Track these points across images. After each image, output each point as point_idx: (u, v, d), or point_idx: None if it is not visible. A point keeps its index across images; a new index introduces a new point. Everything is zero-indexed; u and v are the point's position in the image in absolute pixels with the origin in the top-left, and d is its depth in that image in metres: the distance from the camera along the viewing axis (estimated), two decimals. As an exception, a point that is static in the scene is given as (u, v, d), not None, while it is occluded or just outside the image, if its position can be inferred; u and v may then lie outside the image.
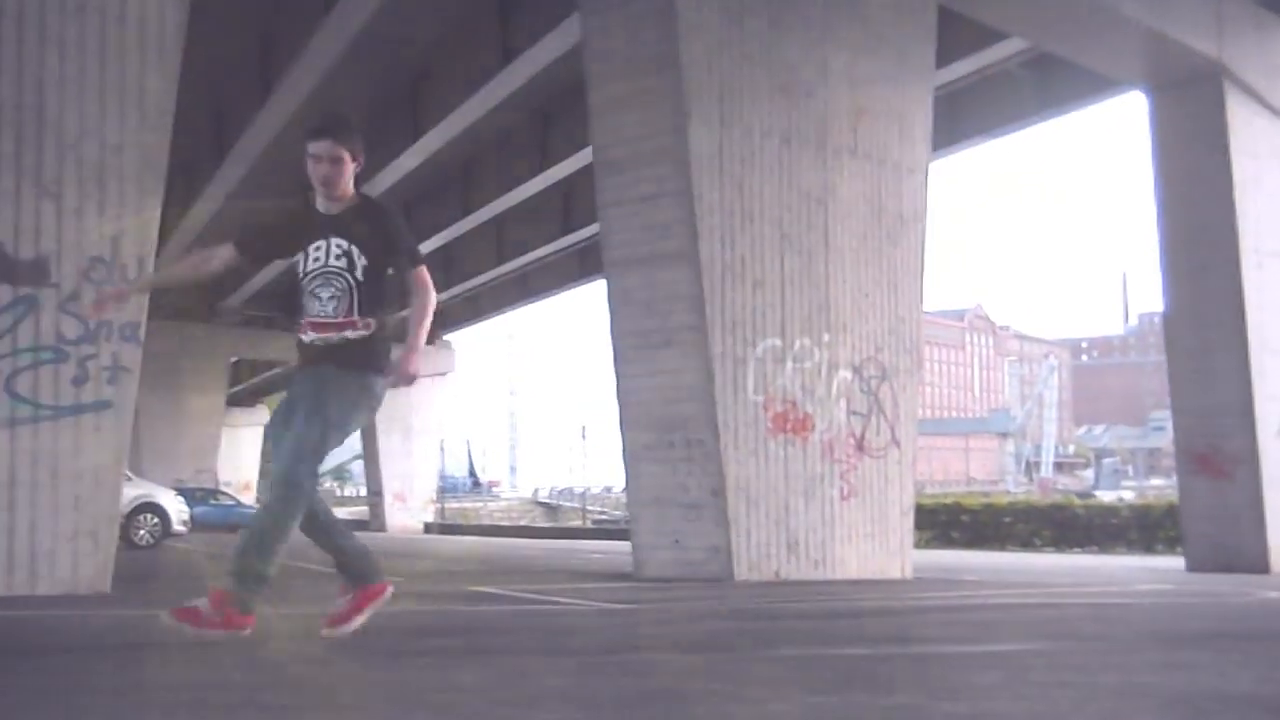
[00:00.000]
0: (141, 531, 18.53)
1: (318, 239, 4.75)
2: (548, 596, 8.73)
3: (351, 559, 4.93)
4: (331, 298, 4.70)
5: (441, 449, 46.98)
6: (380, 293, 4.78)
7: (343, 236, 4.71)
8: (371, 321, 4.76)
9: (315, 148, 4.70)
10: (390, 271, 4.80)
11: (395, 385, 4.83)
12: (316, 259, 4.74)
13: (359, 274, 4.69)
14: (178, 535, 19.62)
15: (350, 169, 4.74)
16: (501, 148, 24.40)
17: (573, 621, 6.18)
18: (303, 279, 4.80)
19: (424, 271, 4.85)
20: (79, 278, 8.76)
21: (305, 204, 4.89)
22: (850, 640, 5.53)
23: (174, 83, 9.29)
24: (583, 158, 21.26)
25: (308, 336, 4.78)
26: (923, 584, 11.57)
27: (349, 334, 4.71)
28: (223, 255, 5.12)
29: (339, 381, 4.71)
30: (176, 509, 19.60)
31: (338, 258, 4.70)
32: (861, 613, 7.43)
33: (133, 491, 17.94)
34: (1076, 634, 6.09)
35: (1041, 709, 3.36)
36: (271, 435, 5.01)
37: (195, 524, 23.09)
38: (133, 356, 9.00)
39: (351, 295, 4.70)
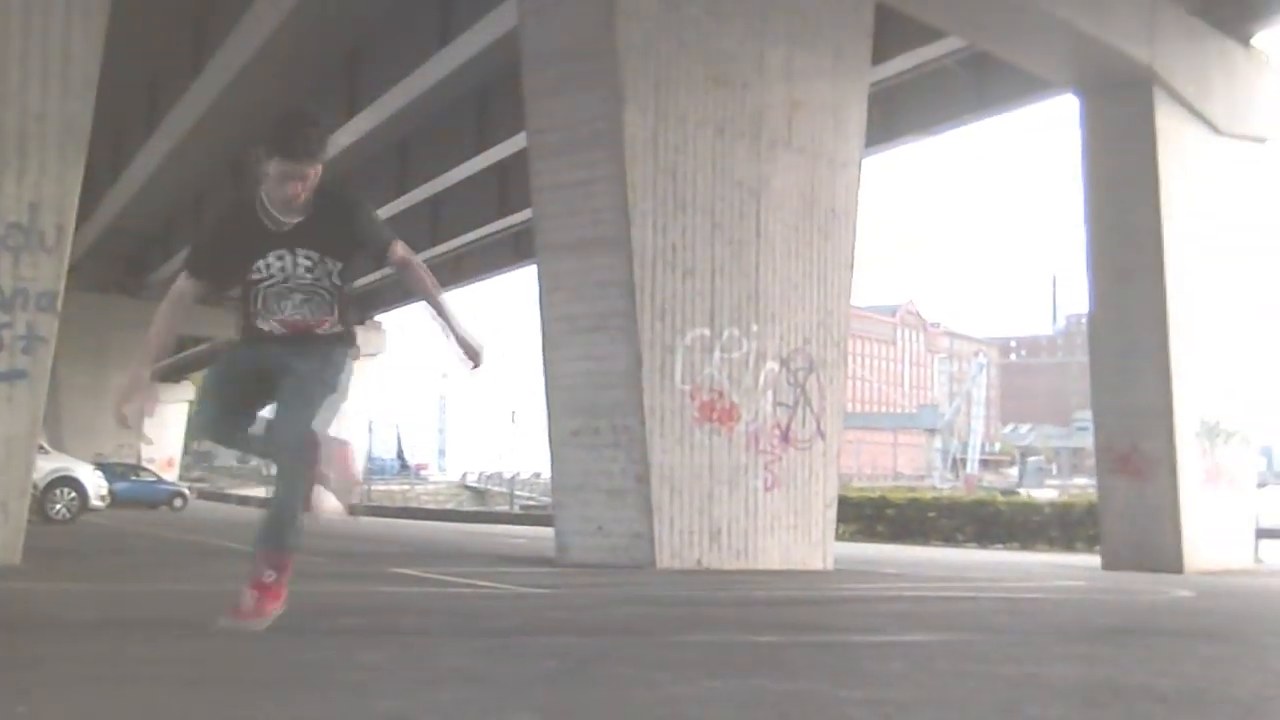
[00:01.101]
0: (58, 505, 18.23)
1: (278, 248, 4.42)
2: (467, 580, 8.71)
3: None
4: (304, 302, 4.45)
5: (370, 430, 46.62)
6: (350, 286, 4.56)
7: (309, 246, 4.42)
8: (346, 318, 4.55)
9: (297, 169, 4.33)
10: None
11: (473, 369, 4.55)
12: (281, 268, 4.43)
13: (335, 278, 4.45)
14: (95, 510, 19.31)
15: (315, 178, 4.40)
16: (438, 128, 24.21)
17: (488, 604, 6.17)
18: (262, 284, 4.46)
19: (400, 248, 4.50)
20: (-4, 244, 8.60)
21: (253, 211, 4.48)
22: (763, 628, 5.57)
23: (99, 51, 9.14)
24: (520, 141, 21.11)
25: (270, 327, 4.50)
26: (843, 575, 11.68)
27: (319, 331, 4.49)
28: (184, 289, 4.67)
29: (321, 366, 4.51)
30: (95, 483, 19.30)
31: (308, 269, 4.42)
32: (778, 601, 7.49)
33: (49, 465, 17.65)
34: (986, 627, 6.17)
35: (937, 697, 3.40)
36: (213, 406, 4.73)
37: (115, 499, 22.75)
38: (49, 326, 8.87)
39: (326, 300, 4.46)
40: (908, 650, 4.71)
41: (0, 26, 8.68)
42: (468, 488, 70.74)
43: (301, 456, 4.47)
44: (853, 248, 13.80)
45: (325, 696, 2.99)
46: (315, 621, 4.76)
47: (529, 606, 5.79)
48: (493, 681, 3.45)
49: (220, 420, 4.71)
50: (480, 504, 55.68)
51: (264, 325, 4.52)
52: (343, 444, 4.66)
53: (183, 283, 4.68)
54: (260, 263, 4.45)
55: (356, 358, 4.71)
